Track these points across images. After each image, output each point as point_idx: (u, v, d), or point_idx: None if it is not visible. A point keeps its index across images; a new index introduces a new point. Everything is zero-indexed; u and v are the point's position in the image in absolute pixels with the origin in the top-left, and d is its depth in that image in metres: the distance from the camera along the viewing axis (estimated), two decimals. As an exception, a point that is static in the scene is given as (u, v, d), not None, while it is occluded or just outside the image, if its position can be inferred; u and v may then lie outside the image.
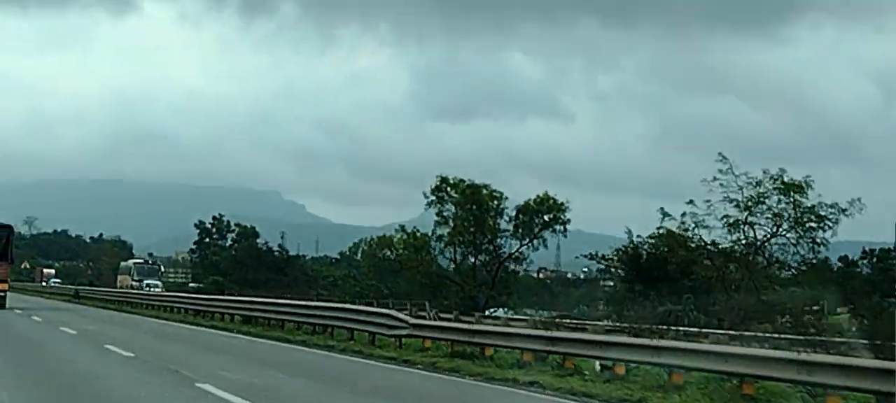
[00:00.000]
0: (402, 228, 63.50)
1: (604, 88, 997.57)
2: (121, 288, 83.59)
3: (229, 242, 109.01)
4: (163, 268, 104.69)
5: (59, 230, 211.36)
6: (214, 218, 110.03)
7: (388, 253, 63.02)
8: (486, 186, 62.29)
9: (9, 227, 52.26)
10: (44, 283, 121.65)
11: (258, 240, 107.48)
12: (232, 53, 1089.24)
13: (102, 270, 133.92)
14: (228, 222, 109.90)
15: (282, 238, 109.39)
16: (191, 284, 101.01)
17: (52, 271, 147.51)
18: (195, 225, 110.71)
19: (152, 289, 79.31)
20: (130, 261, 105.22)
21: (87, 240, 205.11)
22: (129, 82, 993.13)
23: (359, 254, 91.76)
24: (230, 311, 39.91)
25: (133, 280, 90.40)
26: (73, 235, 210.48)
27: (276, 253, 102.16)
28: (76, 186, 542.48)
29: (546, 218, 61.38)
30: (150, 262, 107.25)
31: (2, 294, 48.51)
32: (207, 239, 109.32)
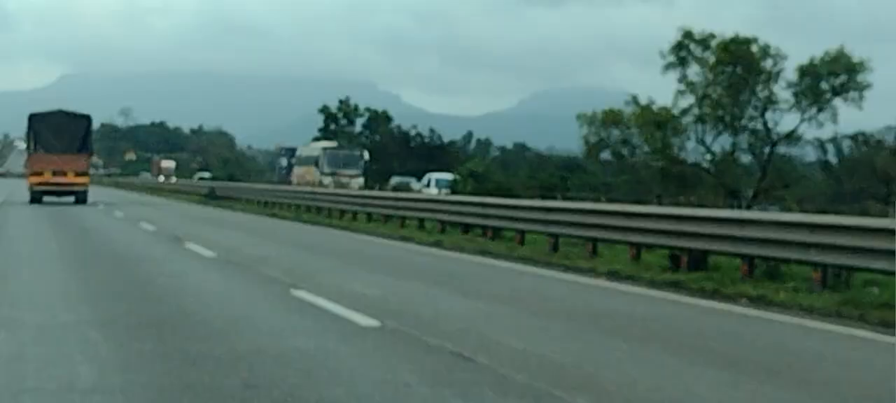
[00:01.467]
0: (635, 100, 46.45)
1: None
2: (299, 184, 63.02)
3: (358, 128, 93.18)
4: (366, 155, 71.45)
5: (156, 121, 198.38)
6: (341, 102, 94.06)
7: (615, 133, 46.02)
8: (753, 40, 44.95)
9: (87, 117, 48.38)
10: (162, 178, 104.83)
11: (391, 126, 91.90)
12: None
13: (209, 161, 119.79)
14: (356, 106, 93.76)
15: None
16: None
17: (173, 164, 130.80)
18: (320, 110, 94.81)
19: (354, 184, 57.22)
20: (318, 145, 74.64)
21: (187, 132, 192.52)
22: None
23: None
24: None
25: (324, 173, 64.96)
26: (172, 127, 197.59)
27: (426, 140, 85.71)
28: (168, 78, 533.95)
29: (837, 82, 44.07)
30: (347, 148, 74.59)
31: (82, 189, 45.64)
32: (333, 127, 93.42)
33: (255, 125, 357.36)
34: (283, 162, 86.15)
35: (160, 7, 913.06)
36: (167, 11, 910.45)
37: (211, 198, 48.71)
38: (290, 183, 70.62)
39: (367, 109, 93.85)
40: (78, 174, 45.42)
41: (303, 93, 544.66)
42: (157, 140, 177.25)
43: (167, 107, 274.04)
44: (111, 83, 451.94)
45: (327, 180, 61.33)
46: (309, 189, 49.55)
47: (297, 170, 75.02)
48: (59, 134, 46.12)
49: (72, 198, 45.00)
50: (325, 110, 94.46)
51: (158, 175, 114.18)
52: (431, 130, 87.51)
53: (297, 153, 78.75)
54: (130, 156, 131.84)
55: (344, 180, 60.10)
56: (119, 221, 32.70)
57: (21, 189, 51.10)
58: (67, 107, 51.33)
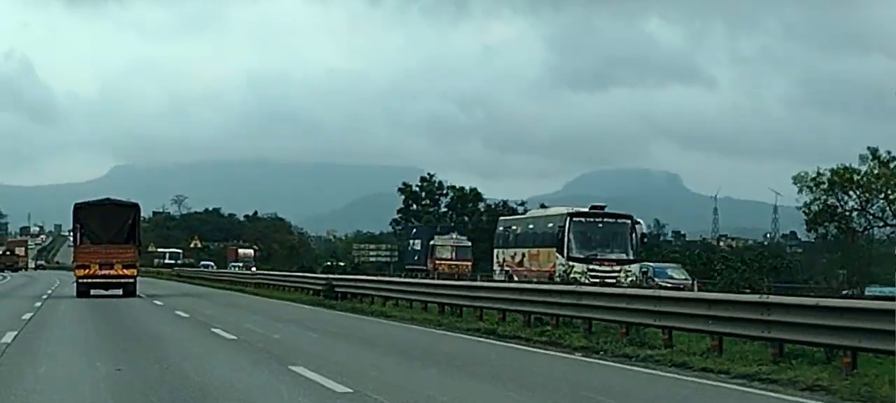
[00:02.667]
0: (873, 154, 34.83)
1: (746, 51, 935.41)
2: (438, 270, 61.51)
3: (443, 208, 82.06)
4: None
5: (210, 209, 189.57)
6: (423, 179, 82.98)
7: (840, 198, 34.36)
8: None
9: (134, 205, 45.45)
10: (238, 267, 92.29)
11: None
12: (363, 29, 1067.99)
13: (273, 251, 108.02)
14: (440, 183, 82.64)
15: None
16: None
17: (251, 252, 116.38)
18: (399, 189, 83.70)
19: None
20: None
21: (242, 219, 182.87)
22: (263, 64, 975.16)
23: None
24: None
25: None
26: (226, 213, 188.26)
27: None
28: (218, 168, 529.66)
29: None
30: (456, 234, 71.49)
31: (130, 280, 42.41)
32: (415, 206, 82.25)
33: (303, 212, 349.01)
34: (417, 244, 73.79)
35: (201, 97, 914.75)
36: (210, 102, 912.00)
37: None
38: (426, 272, 64.31)
39: (452, 188, 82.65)
40: (126, 266, 42.17)
41: (350, 179, 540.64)
42: (211, 228, 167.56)
43: (217, 196, 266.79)
44: (161, 173, 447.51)
45: (578, 268, 40.63)
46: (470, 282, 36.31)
47: (503, 254, 54.23)
48: (106, 224, 43.23)
49: (120, 291, 41.62)
50: (405, 189, 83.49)
51: (233, 263, 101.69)
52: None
53: (503, 225, 58.83)
54: (196, 243, 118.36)
55: (605, 269, 41.77)
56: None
57: (70, 280, 46.50)
58: (119, 197, 48.04)
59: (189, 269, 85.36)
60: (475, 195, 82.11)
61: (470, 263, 66.46)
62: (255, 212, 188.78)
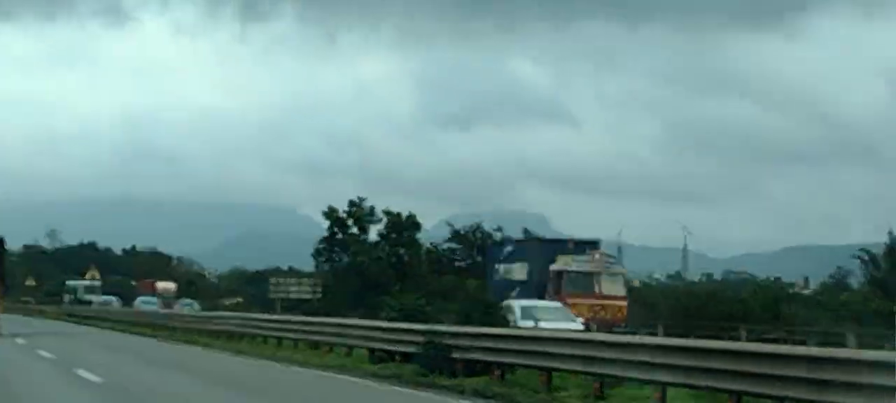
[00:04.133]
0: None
1: (612, 92, 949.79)
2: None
3: (374, 237, 69.41)
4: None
5: (86, 242, 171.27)
6: (352, 203, 70.07)
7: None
8: None
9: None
10: (153, 304, 73.42)
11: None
12: (232, 66, 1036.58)
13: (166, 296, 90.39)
14: (372, 208, 69.88)
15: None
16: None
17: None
18: (324, 213, 70.20)
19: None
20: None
21: (119, 253, 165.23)
22: (134, 99, 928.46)
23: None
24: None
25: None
26: (102, 247, 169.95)
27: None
28: (90, 204, 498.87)
29: None
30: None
31: None
32: (341, 235, 69.32)
33: (177, 250, 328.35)
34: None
35: (77, 135, 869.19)
36: (82, 138, 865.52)
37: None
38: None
39: (387, 212, 69.57)
40: None
41: (224, 217, 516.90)
42: (87, 262, 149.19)
43: (90, 232, 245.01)
44: (33, 209, 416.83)
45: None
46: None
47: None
48: None
49: None
50: (330, 214, 69.99)
51: (145, 300, 79.29)
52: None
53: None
54: (93, 275, 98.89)
55: None
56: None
57: None
58: None
59: (79, 307, 69.59)
60: (412, 223, 69.52)
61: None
62: (133, 247, 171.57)
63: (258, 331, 32.63)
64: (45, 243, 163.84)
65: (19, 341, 35.41)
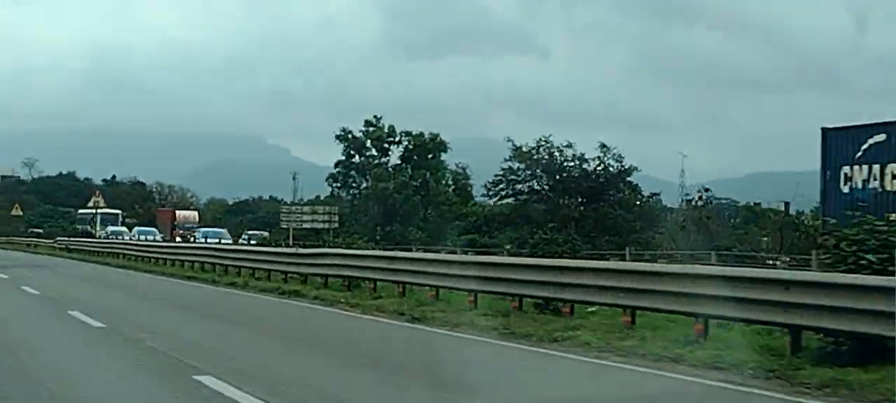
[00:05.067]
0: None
1: (581, 21, 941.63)
2: None
3: (395, 160, 62.34)
4: None
5: (64, 172, 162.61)
6: (368, 123, 62.67)
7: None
8: None
9: None
10: (189, 238, 61.15)
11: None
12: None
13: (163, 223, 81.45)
14: (392, 128, 62.59)
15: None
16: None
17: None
18: (337, 136, 62.43)
19: None
20: None
21: (100, 183, 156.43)
22: (103, 32, 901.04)
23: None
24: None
25: None
26: (82, 177, 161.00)
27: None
28: (64, 136, 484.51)
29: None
30: None
31: None
32: (357, 157, 62.21)
33: (151, 179, 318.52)
34: None
35: (47, 67, 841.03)
36: (54, 71, 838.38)
37: None
38: None
39: (406, 134, 62.24)
40: None
41: (195, 147, 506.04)
42: (67, 193, 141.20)
43: (67, 162, 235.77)
44: (7, 141, 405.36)
45: None
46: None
47: None
48: None
49: None
50: (344, 136, 62.43)
51: (175, 233, 68.87)
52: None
53: None
54: (98, 201, 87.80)
55: None
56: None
57: None
58: None
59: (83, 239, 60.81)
60: (437, 144, 62.23)
61: None
62: (113, 176, 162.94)
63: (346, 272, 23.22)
64: (23, 173, 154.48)
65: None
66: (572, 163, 51.93)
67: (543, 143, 51.99)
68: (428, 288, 18.69)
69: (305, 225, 57.05)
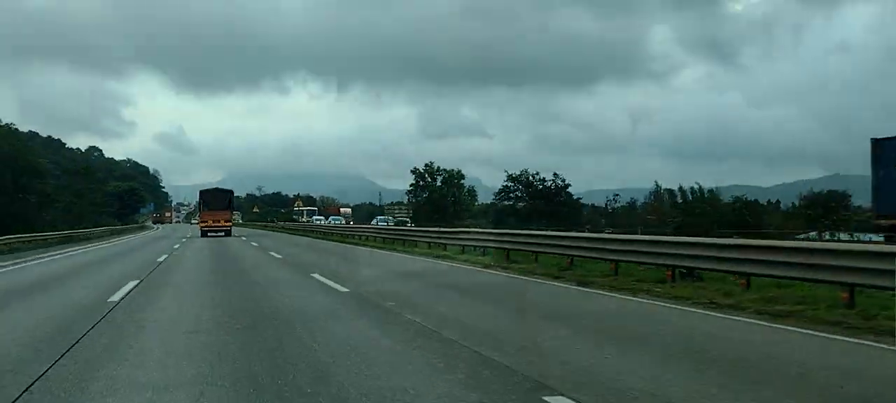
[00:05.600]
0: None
1: (507, 120, 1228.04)
2: None
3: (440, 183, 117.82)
4: None
5: (274, 192, 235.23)
6: (426, 165, 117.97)
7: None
8: None
9: (230, 190, 70.50)
10: (340, 220, 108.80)
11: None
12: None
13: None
14: (438, 167, 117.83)
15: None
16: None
17: (349, 210, 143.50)
18: (412, 170, 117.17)
19: None
20: None
21: (291, 196, 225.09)
22: (291, 132, 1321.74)
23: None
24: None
25: None
26: (284, 194, 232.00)
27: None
28: (274, 174, 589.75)
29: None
30: None
31: (228, 227, 63.68)
32: (420, 183, 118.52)
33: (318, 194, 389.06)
34: None
35: (262, 145, 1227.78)
36: (270, 147, 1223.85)
37: None
38: None
39: (444, 170, 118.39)
40: (225, 221, 64.07)
41: (336, 178, 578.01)
42: (280, 203, 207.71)
43: (278, 186, 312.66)
44: (248, 178, 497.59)
45: None
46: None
47: None
48: (216, 199, 65.81)
49: (223, 233, 62.33)
50: (415, 171, 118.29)
51: (335, 218, 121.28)
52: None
53: None
54: (299, 203, 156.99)
55: None
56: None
57: (196, 229, 71.68)
58: (224, 187, 74.85)
59: (291, 223, 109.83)
60: (459, 175, 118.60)
61: None
62: (298, 194, 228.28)
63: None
64: (256, 192, 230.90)
65: (243, 239, 53.81)
66: (538, 183, 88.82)
67: (524, 173, 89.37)
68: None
69: (397, 216, 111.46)
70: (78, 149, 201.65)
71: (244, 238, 57.59)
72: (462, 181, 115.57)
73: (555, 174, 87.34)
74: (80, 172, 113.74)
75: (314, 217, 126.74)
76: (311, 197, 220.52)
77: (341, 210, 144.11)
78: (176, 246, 42.32)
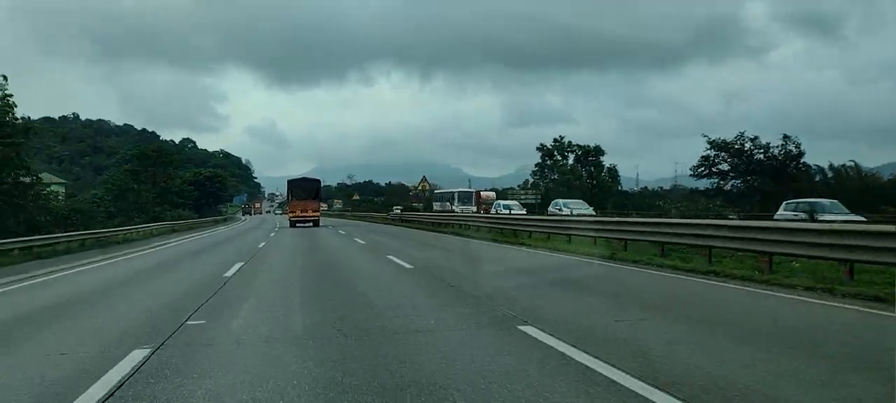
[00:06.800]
0: None
1: (592, 105, 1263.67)
2: None
3: (571, 161, 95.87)
4: None
5: (365, 180, 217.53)
6: (555, 139, 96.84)
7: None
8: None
9: (318, 180, 68.01)
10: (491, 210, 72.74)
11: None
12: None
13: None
14: (570, 142, 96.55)
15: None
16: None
17: (492, 194, 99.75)
18: (537, 148, 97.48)
19: None
20: None
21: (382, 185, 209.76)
22: (375, 121, 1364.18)
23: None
24: None
25: None
26: (376, 183, 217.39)
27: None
28: (366, 163, 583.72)
29: None
30: None
31: (316, 217, 62.99)
32: (548, 161, 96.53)
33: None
34: None
35: (353, 134, 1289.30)
36: (356, 137, 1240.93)
37: None
38: None
39: (578, 145, 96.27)
40: (314, 211, 63.02)
41: (438, 168, 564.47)
42: (371, 192, 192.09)
43: (368, 174, 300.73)
44: (338, 169, 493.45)
45: None
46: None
47: None
48: (304, 189, 64.11)
49: (311, 224, 61.45)
50: (542, 148, 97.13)
51: (480, 205, 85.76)
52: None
53: None
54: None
55: None
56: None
57: (284, 220, 72.83)
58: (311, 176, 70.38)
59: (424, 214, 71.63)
60: (597, 150, 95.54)
61: None
62: (389, 182, 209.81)
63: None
64: (347, 181, 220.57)
65: (329, 228, 56.40)
66: (759, 151, 60.25)
67: (739, 136, 60.68)
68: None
69: (522, 200, 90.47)
70: (171, 140, 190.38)
71: (361, 241, 36.24)
72: (601, 158, 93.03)
73: (784, 137, 60.13)
74: (149, 155, 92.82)
75: (461, 203, 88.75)
76: (404, 185, 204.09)
77: (482, 195, 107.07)
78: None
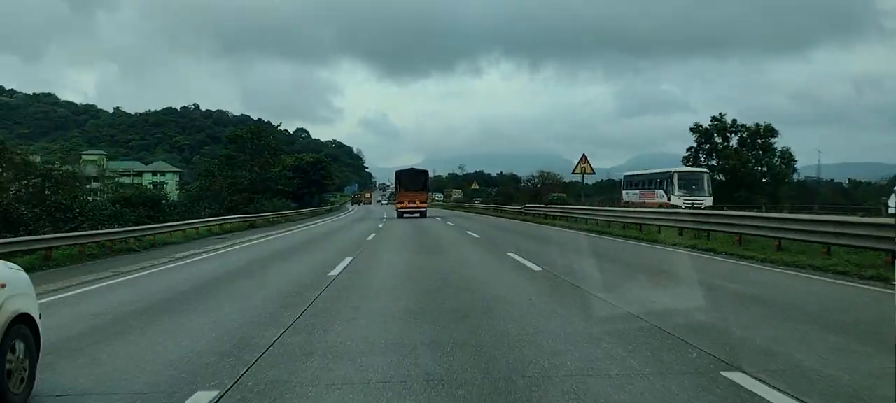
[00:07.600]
0: None
1: (711, 93, 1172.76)
2: None
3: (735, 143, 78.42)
4: None
5: (475, 171, 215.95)
6: (714, 118, 79.41)
7: None
8: None
9: (426, 171, 67.48)
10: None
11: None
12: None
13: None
14: (734, 121, 79.15)
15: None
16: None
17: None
18: (691, 128, 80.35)
19: None
20: None
21: (493, 175, 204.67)
22: (484, 111, 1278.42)
23: None
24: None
25: None
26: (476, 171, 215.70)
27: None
28: (476, 152, 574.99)
29: None
30: None
31: (423, 208, 62.28)
32: (706, 145, 79.13)
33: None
34: None
35: (464, 126, 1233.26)
36: (466, 128, 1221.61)
37: None
38: None
39: (742, 126, 78.48)
40: (421, 201, 62.45)
41: (535, 160, 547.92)
42: (482, 182, 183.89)
43: (476, 164, 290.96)
44: (447, 159, 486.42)
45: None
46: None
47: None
48: (411, 180, 64.15)
49: (418, 215, 60.77)
50: (697, 128, 79.85)
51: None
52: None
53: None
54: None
55: None
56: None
57: (392, 211, 73.96)
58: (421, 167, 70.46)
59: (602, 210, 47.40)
60: (768, 131, 77.63)
61: None
62: (501, 172, 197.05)
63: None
64: (458, 171, 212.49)
65: (437, 220, 54.69)
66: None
67: None
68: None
69: None
70: (285, 130, 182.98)
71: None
72: (773, 140, 75.33)
73: None
74: (244, 137, 79.17)
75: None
76: (516, 175, 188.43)
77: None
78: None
